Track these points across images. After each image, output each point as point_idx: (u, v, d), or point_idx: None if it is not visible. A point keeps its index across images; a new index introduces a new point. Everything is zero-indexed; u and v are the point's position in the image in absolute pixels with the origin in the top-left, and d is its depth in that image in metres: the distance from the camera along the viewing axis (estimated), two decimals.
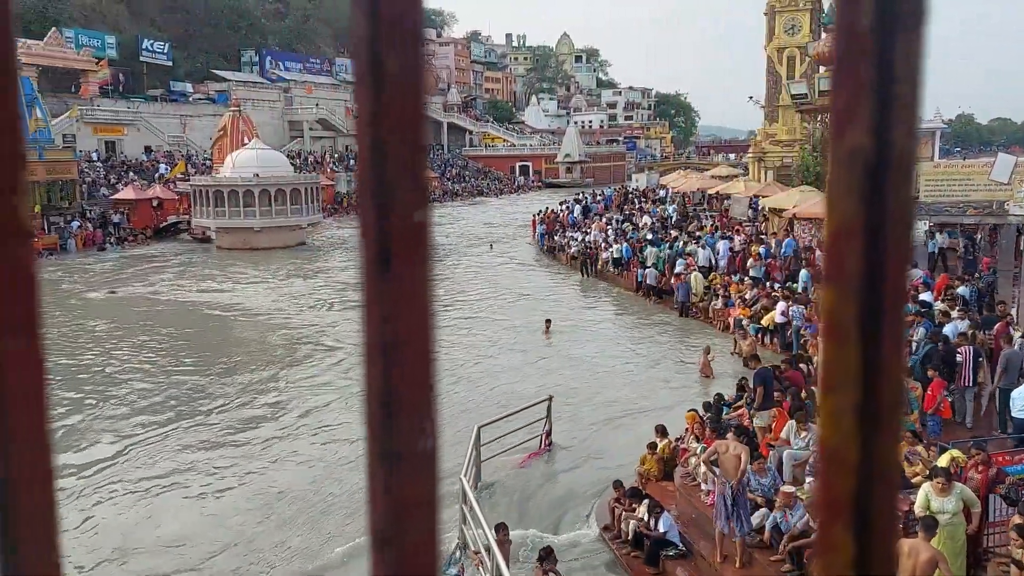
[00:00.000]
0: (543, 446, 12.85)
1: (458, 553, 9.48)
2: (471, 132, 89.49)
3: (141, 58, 61.68)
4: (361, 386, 0.45)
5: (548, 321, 20.49)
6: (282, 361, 18.20)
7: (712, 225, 30.87)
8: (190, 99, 62.96)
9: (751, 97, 40.46)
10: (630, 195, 50.74)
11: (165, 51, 64.32)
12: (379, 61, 0.44)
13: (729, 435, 9.38)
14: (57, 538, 0.47)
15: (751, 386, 12.26)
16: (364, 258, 0.44)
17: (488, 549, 8.50)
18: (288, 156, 48.33)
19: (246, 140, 41.54)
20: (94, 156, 49.49)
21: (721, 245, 24.50)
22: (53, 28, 51.59)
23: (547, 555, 8.60)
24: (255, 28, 76.36)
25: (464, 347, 18.93)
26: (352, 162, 69.23)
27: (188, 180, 41.66)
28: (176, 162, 50.64)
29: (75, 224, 38.47)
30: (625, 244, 28.32)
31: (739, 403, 12.60)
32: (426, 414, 0.45)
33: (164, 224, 42.05)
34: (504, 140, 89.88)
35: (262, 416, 14.58)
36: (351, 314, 23.04)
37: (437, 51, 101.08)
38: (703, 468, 10.25)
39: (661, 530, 9.62)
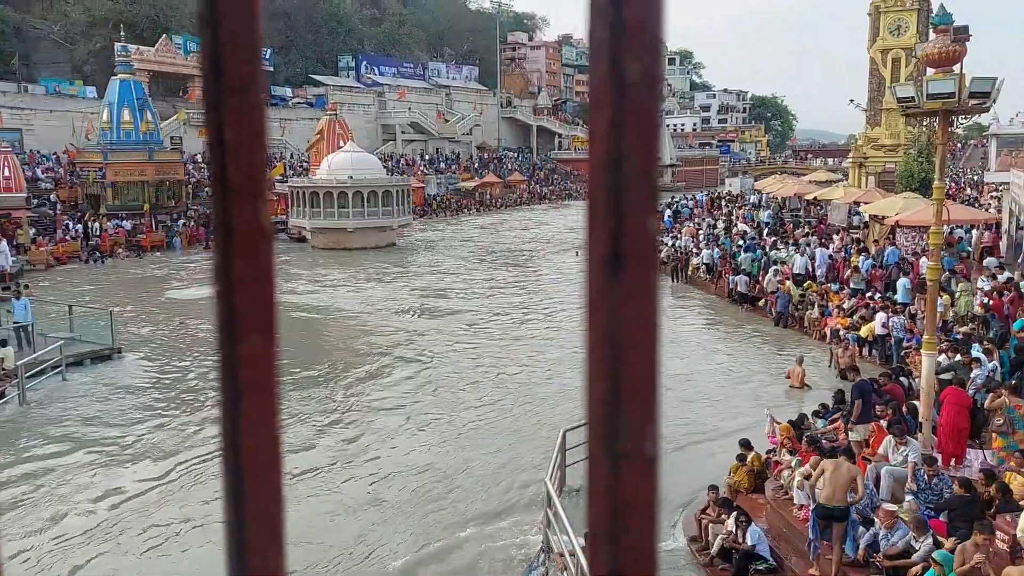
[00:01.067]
0: None
1: (542, 556, 9.45)
2: (560, 135, 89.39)
3: None
4: (585, 387, 0.45)
5: None
6: (364, 365, 18.50)
7: (809, 232, 29.92)
8: (289, 103, 64.99)
9: (852, 100, 39.06)
10: (723, 199, 49.72)
11: (267, 57, 66.55)
12: (619, 68, 0.44)
13: (840, 457, 9.08)
14: (282, 526, 0.49)
15: (849, 399, 11.81)
16: (592, 259, 0.44)
17: (572, 554, 8.41)
18: (380, 158, 49.32)
19: (341, 143, 42.59)
20: (199, 158, 51.61)
21: (819, 253, 23.70)
22: (164, 35, 54.05)
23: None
24: (352, 34, 78.22)
25: (549, 351, 18.87)
26: (442, 165, 70.00)
27: (286, 182, 42.96)
28: (275, 164, 52.33)
29: (181, 223, 40.17)
30: (716, 249, 27.73)
31: (835, 416, 12.15)
32: (649, 418, 0.45)
33: None
34: None
35: (338, 427, 14.84)
36: (438, 322, 23.29)
37: (529, 55, 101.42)
38: (797, 480, 9.90)
39: (749, 543, 9.35)
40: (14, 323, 17.95)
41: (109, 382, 16.79)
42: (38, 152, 44.72)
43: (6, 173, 34.07)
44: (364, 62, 75.54)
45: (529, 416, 14.70)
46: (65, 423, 14.37)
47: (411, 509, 10.98)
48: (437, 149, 71.73)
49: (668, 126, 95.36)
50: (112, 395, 15.99)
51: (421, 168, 63.60)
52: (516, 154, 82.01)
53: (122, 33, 43.39)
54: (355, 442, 13.37)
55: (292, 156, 56.19)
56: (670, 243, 31.41)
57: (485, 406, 15.22)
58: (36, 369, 16.21)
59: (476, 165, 71.92)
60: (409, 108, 70.64)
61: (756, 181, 59.68)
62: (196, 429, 13.89)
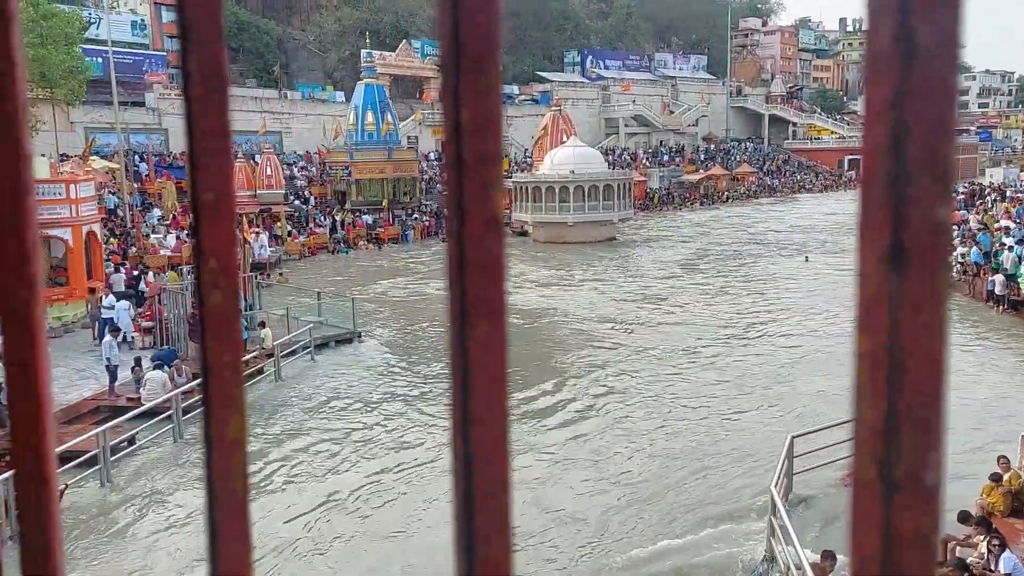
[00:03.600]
0: None
1: (765, 566, 9.07)
2: (795, 124, 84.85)
3: None
4: (853, 403, 0.41)
5: None
6: (582, 360, 18.52)
7: None
8: (516, 100, 66.90)
9: None
10: (984, 191, 44.78)
11: None
12: (909, 32, 0.39)
13: None
14: (510, 516, 0.48)
15: None
16: (868, 253, 0.40)
17: (799, 567, 7.90)
18: (603, 152, 49.43)
19: (565, 138, 43.12)
20: (431, 156, 54.50)
21: None
22: (404, 40, 57.60)
23: (830, 554, 8.24)
24: (579, 29, 79.05)
25: (776, 356, 17.93)
26: (666, 157, 68.93)
27: (510, 177, 44.26)
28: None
29: (414, 217, 42.65)
30: (974, 248, 24.97)
31: None
32: (932, 444, 0.40)
33: None
34: (832, 132, 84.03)
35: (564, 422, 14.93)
36: (655, 317, 22.90)
37: (762, 40, 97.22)
38: None
39: (1002, 571, 8.28)
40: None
41: (351, 364, 18.10)
42: (294, 152, 49.33)
43: (268, 172, 37.95)
44: (590, 57, 76.08)
45: (752, 421, 14.06)
46: (313, 399, 15.67)
47: (630, 511, 10.84)
48: (661, 141, 70.72)
49: None
50: (354, 376, 17.22)
51: (644, 161, 63.00)
52: (745, 145, 78.94)
53: (367, 40, 46.77)
54: (566, 446, 13.42)
55: (516, 152, 57.82)
56: None
57: (704, 409, 14.74)
58: (289, 350, 17.83)
59: (702, 157, 70.08)
60: (633, 101, 70.21)
61: (1023, 171, 53.32)
62: (431, 415, 14.58)
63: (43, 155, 26.11)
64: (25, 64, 0.50)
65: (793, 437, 10.79)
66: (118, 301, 18.95)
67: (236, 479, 0.46)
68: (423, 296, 25.71)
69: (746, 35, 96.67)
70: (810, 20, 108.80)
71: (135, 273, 23.81)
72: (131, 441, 12.99)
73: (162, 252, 29.22)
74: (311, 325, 19.09)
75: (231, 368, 0.46)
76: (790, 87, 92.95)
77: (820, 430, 11.53)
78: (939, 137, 0.38)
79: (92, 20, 41.86)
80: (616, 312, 22.89)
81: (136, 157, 41.19)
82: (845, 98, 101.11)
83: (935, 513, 0.40)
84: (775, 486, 9.53)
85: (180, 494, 11.48)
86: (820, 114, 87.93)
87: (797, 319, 21.61)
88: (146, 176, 39.89)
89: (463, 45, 0.43)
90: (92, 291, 20.50)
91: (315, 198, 43.17)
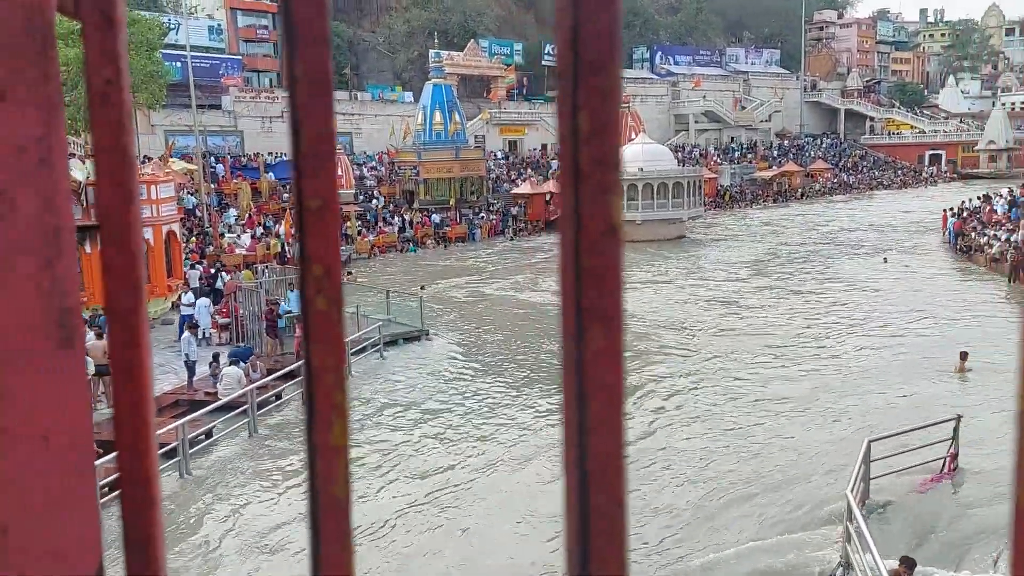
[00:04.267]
0: (947, 470, 11.27)
1: (840, 571, 8.86)
2: (872, 119, 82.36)
3: (543, 62, 66.67)
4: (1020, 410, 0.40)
5: (964, 354, 15.84)
6: (656, 365, 18.34)
7: None
8: None
9: None
10: None
11: None
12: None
13: None
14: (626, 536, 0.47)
15: None
16: None
17: (876, 574, 7.68)
18: (672, 149, 48.83)
19: (633, 135, 42.78)
20: (498, 154, 54.67)
21: None
22: (471, 40, 57.95)
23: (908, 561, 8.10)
24: (648, 25, 78.28)
25: (856, 363, 17.46)
26: (737, 154, 67.79)
27: None
28: None
29: (481, 216, 42.87)
30: None
31: None
32: None
33: (555, 218, 44.91)
34: (911, 127, 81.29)
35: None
36: (728, 321, 22.54)
37: (837, 33, 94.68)
38: None
39: None
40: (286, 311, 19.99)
41: (420, 363, 18.28)
42: (364, 153, 50.12)
43: (339, 172, 38.53)
44: (659, 52, 75.27)
45: (827, 425, 13.73)
46: (383, 396, 15.89)
47: (702, 513, 10.72)
48: (732, 138, 69.53)
49: (1004, 105, 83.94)
50: (422, 375, 17.39)
51: (715, 158, 62.04)
52: (819, 141, 77.01)
53: (435, 40, 47.19)
54: (635, 444, 13.32)
55: None
56: (1003, 237, 27.61)
57: (778, 415, 14.45)
58: (358, 347, 18.11)
59: (775, 153, 68.64)
60: (704, 96, 69.17)
61: None
62: (502, 414, 14.65)
63: None
64: (128, 74, 0.52)
65: (870, 441, 10.49)
66: (197, 299, 19.55)
67: (338, 484, 0.47)
68: (487, 296, 25.83)
69: (821, 28, 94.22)
70: (888, 11, 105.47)
71: (212, 271, 24.53)
72: (208, 434, 13.39)
73: (237, 251, 30.07)
74: (380, 323, 19.35)
75: (335, 373, 0.46)
76: (867, 81, 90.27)
77: (898, 434, 11.19)
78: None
79: (171, 26, 43.28)
80: (683, 315, 22.59)
81: (212, 159, 42.44)
82: (926, 91, 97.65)
83: None
84: (851, 491, 9.27)
85: (253, 486, 11.78)
86: (899, 108, 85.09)
87: (876, 324, 20.68)
88: (222, 177, 41.07)
89: (582, 45, 0.43)
90: (171, 289, 21.20)
91: (384, 198, 43.78)
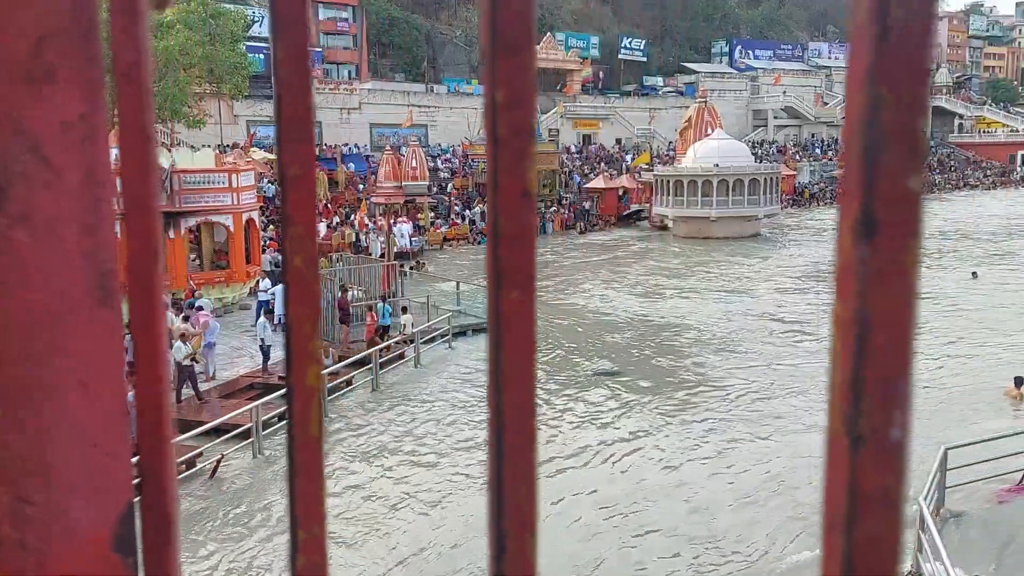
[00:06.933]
0: None
1: None
2: (962, 116, 79.19)
3: (619, 56, 66.16)
4: (828, 363, 0.43)
5: (1019, 380, 14.27)
6: (709, 369, 18.08)
7: None
8: (659, 92, 65.85)
9: None
10: None
11: (641, 47, 68.16)
12: (884, 7, 0.42)
13: None
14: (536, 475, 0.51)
15: None
16: (843, 223, 0.42)
17: None
18: (750, 145, 47.89)
19: (710, 131, 42.09)
20: (572, 148, 54.51)
21: None
22: (548, 33, 57.88)
23: None
24: (728, 18, 76.93)
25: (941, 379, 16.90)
26: (818, 151, 66.03)
27: (652, 170, 43.63)
28: (640, 152, 53.44)
29: (552, 209, 42.85)
30: None
31: None
32: (898, 401, 0.42)
33: (627, 212, 44.68)
34: (1003, 125, 77.85)
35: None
36: (802, 328, 22.04)
37: None
38: None
39: None
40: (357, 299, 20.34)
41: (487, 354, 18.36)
42: (438, 145, 50.63)
43: (413, 164, 39.02)
44: (738, 47, 73.91)
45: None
46: (450, 385, 16.09)
47: (767, 515, 10.56)
48: (812, 134, 67.77)
49: None
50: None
51: (794, 154, 60.59)
52: None
53: None
54: (700, 448, 13.18)
55: (659, 145, 56.94)
56: None
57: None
58: (428, 336, 18.36)
59: None
60: (784, 92, 67.58)
61: None
62: (561, 409, 14.68)
63: (206, 146, 27.96)
64: (150, 55, 0.56)
65: (947, 449, 10.13)
66: (274, 285, 20.10)
67: (312, 423, 0.52)
68: (554, 289, 25.79)
69: None
70: (982, 4, 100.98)
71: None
72: (281, 417, 13.79)
73: None
74: (450, 313, 19.57)
75: (311, 323, 0.52)
76: (958, 77, 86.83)
77: (977, 443, 10.80)
78: (911, 111, 0.40)
79: (255, 19, 44.48)
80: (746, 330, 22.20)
81: None
82: (1020, 88, 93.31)
83: (899, 470, 0.43)
84: (924, 498, 8.98)
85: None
86: (991, 105, 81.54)
87: (966, 348, 18.23)
88: None
89: (500, 27, 0.47)
90: (249, 275, 21.85)
91: (457, 190, 44.16)
